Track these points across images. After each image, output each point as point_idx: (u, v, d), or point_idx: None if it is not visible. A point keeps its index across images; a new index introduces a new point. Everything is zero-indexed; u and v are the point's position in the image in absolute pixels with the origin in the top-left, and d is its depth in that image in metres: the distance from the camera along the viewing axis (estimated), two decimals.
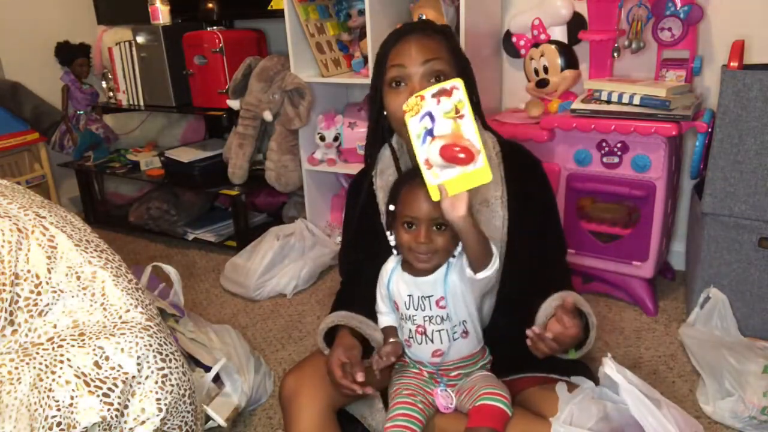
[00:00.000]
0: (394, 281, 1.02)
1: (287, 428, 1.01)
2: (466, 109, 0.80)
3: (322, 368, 1.00)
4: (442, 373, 1.01)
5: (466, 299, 0.97)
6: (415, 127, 0.83)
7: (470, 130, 0.80)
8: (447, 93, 0.80)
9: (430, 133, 0.82)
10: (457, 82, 0.81)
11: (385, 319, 1.06)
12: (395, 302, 1.02)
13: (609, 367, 0.90)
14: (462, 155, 0.79)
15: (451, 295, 0.96)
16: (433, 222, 0.93)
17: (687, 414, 0.91)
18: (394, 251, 1.03)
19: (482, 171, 0.80)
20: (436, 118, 0.82)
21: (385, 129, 1.13)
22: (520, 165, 1.10)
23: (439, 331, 0.98)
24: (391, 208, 1.00)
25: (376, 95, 1.08)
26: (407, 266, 1.00)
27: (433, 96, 0.81)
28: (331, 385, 0.98)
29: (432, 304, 0.97)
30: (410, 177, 0.98)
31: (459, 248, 0.95)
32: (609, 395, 0.92)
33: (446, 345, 0.99)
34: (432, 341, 0.99)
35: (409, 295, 0.99)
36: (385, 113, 1.07)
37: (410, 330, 1.01)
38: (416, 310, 0.99)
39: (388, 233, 1.02)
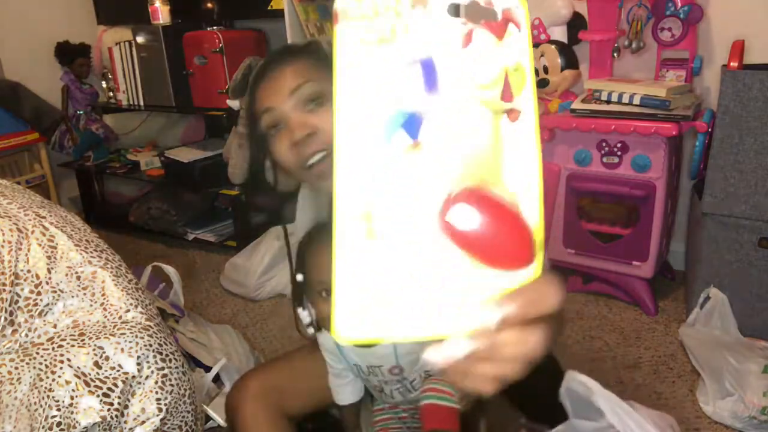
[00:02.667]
0: (342, 348, 0.90)
1: None
2: (528, 94, 0.33)
3: (270, 378, 0.98)
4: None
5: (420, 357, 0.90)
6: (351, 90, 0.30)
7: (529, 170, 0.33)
8: (497, 24, 0.32)
9: (410, 126, 0.31)
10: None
11: (345, 390, 0.96)
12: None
13: (576, 378, 0.86)
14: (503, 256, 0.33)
15: (407, 360, 0.88)
16: None
17: (658, 411, 0.91)
18: (310, 330, 0.87)
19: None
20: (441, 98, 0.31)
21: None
22: None
23: (398, 389, 0.92)
24: (299, 278, 0.84)
25: (258, 151, 0.94)
26: None
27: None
28: (277, 394, 0.96)
29: (384, 372, 0.90)
30: (314, 238, 0.84)
31: None
32: (582, 427, 0.89)
33: (408, 397, 0.93)
34: (392, 397, 0.94)
35: (356, 365, 0.91)
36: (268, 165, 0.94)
37: (369, 386, 0.95)
38: (368, 375, 0.92)
39: (300, 311, 0.85)
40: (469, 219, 0.30)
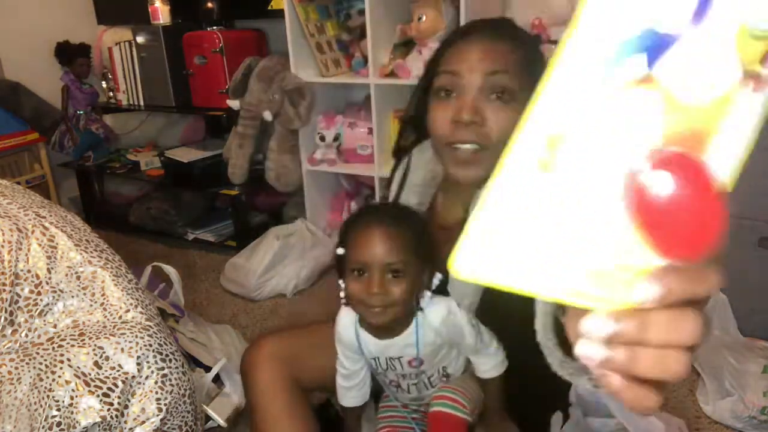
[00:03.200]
0: (362, 339, 0.88)
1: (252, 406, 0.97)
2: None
3: (289, 346, 0.96)
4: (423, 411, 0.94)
5: (446, 350, 0.88)
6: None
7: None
8: None
9: (654, 52, 0.26)
10: None
11: (351, 392, 0.95)
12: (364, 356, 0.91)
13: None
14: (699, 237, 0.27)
15: (427, 354, 0.86)
16: (388, 268, 0.78)
17: (667, 414, 0.91)
18: (343, 301, 0.87)
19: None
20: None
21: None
22: None
23: (416, 383, 0.91)
24: (340, 251, 0.83)
25: (418, 103, 0.89)
26: (365, 324, 0.87)
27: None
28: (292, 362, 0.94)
29: (404, 365, 0.88)
30: (363, 215, 0.84)
31: (427, 297, 0.83)
32: (592, 424, 0.88)
33: (424, 393, 0.92)
34: (408, 392, 0.92)
35: (375, 359, 0.89)
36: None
37: (383, 382, 0.94)
38: (386, 369, 0.90)
39: (339, 282, 0.84)
40: (666, 190, 0.25)
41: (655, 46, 0.25)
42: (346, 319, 0.88)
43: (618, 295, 0.27)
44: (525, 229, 0.27)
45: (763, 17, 0.25)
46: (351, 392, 0.94)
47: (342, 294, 0.84)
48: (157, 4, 2.41)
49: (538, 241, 0.27)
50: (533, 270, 0.27)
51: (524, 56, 0.79)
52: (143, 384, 0.83)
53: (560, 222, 0.27)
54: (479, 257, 0.27)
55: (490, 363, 0.87)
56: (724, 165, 0.27)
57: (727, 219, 0.26)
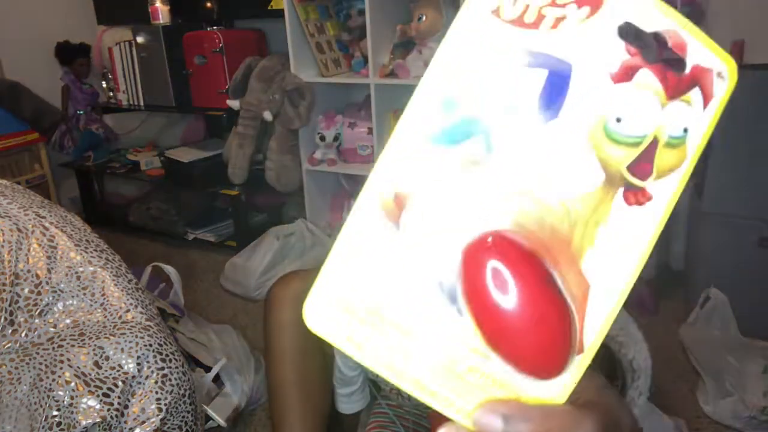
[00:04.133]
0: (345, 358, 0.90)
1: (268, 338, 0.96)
2: (673, 183, 0.25)
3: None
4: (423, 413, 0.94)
5: None
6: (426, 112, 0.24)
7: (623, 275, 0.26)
8: (678, 78, 0.25)
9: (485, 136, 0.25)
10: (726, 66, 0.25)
11: (350, 399, 0.94)
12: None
13: None
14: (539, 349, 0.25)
15: None
16: None
17: (667, 414, 0.91)
18: None
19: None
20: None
21: None
22: None
23: (406, 396, 0.91)
24: None
25: None
26: None
27: (632, 45, 0.24)
28: None
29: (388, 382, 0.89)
30: None
31: None
32: None
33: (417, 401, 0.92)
34: (408, 398, 0.91)
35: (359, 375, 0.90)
36: None
37: (383, 388, 0.93)
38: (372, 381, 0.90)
39: None
40: (497, 281, 0.23)
41: (497, 131, 0.24)
42: None
43: (468, 403, 0.24)
44: (371, 292, 0.24)
45: (620, 117, 0.24)
46: (351, 398, 0.94)
47: None
48: (157, 4, 2.41)
49: (385, 312, 0.24)
50: (381, 347, 0.24)
51: None
52: (143, 384, 0.83)
53: (407, 293, 0.24)
54: (326, 311, 0.25)
55: None
56: (596, 280, 0.25)
57: (572, 335, 0.24)
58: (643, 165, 0.24)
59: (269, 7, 2.28)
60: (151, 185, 2.78)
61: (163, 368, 0.84)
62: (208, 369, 1.36)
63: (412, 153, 0.24)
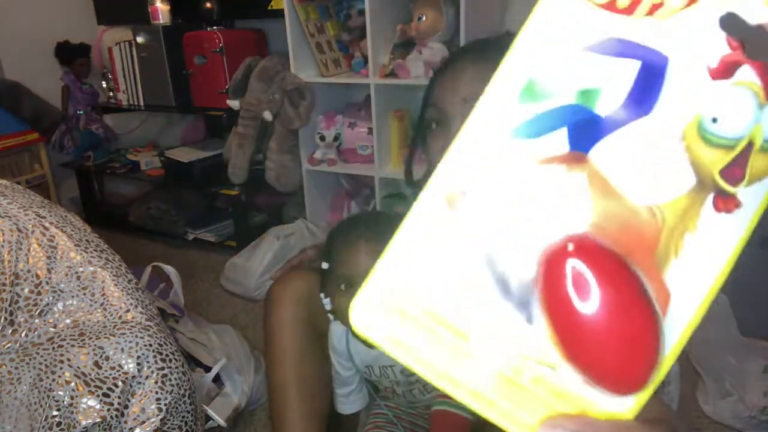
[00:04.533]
0: (353, 349, 0.87)
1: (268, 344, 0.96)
2: (763, 190, 0.23)
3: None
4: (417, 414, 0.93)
5: None
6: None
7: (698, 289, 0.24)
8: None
9: (582, 146, 0.23)
10: None
11: (348, 400, 0.93)
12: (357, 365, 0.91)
13: None
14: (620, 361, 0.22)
15: None
16: None
17: None
18: (331, 316, 0.86)
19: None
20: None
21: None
22: None
23: (410, 390, 0.89)
24: (325, 266, 0.81)
25: (416, 135, 0.87)
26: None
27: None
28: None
29: (396, 373, 0.86)
30: (347, 227, 0.81)
31: None
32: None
33: (420, 398, 0.90)
34: (404, 397, 0.91)
35: (368, 367, 0.88)
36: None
37: (378, 389, 0.92)
38: (379, 377, 0.89)
39: (321, 296, 0.83)
40: (580, 287, 0.21)
41: (583, 126, 0.22)
42: (339, 330, 0.88)
43: (530, 416, 0.22)
44: (430, 293, 0.23)
45: (717, 117, 0.22)
46: (349, 398, 0.94)
47: (328, 308, 0.82)
48: (157, 4, 2.41)
49: (443, 315, 0.22)
50: (436, 352, 0.23)
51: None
52: (143, 384, 0.83)
53: (467, 296, 0.22)
54: (376, 312, 0.23)
55: None
56: (679, 291, 0.23)
57: (659, 346, 0.22)
58: (735, 169, 0.22)
59: (269, 7, 2.28)
60: (151, 185, 2.78)
61: (163, 368, 0.84)
62: (208, 369, 1.36)
63: (487, 144, 0.22)
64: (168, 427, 0.86)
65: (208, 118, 2.78)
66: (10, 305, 0.80)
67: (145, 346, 0.84)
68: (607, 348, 0.21)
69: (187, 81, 2.42)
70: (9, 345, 0.80)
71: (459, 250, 0.22)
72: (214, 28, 2.36)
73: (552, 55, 0.22)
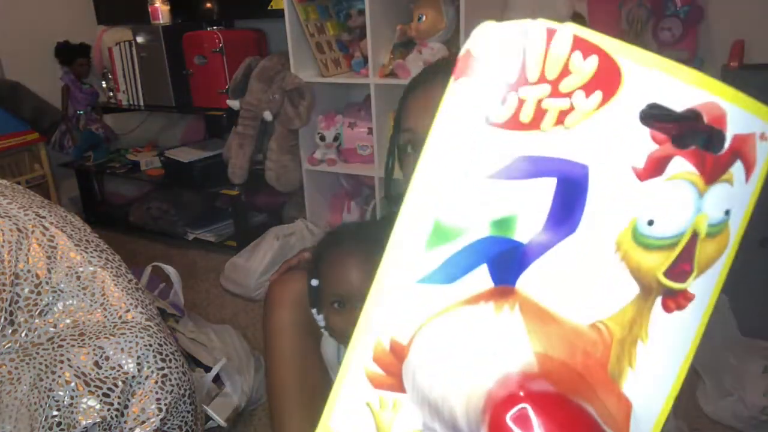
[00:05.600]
0: None
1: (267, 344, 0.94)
2: (714, 276, 0.23)
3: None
4: None
5: None
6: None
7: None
8: (717, 157, 0.21)
9: (506, 279, 0.21)
10: None
11: None
12: None
13: None
14: None
15: None
16: None
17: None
18: (324, 332, 0.83)
19: None
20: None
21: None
22: None
23: None
24: (314, 283, 0.77)
25: (390, 155, 0.84)
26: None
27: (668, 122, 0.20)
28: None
29: None
30: (334, 242, 0.77)
31: None
32: None
33: None
34: None
35: None
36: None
37: None
38: None
39: (314, 311, 0.81)
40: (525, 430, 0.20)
41: (501, 257, 0.20)
42: (331, 345, 0.85)
43: None
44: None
45: (653, 219, 0.20)
46: None
47: (322, 324, 0.80)
48: (157, 4, 2.41)
49: None
50: None
51: None
52: (143, 384, 0.83)
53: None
54: (353, 420, 0.22)
55: None
56: (639, 397, 0.21)
57: None
58: (682, 266, 0.21)
59: (269, 7, 2.28)
60: (151, 185, 2.78)
61: (163, 368, 0.84)
62: (208, 369, 1.36)
63: (405, 294, 0.20)
64: (168, 427, 0.86)
65: (208, 118, 2.78)
66: (10, 305, 0.80)
67: (145, 346, 0.84)
68: None
69: (187, 81, 2.42)
70: (9, 345, 0.80)
71: (407, 407, 0.21)
72: (214, 28, 2.36)
73: (457, 189, 0.20)
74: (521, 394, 0.20)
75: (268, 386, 0.97)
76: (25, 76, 2.60)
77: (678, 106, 0.19)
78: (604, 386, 0.21)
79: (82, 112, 2.77)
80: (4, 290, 0.79)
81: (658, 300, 0.21)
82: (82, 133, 2.76)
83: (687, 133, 0.19)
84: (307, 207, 2.33)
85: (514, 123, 0.19)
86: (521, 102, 0.19)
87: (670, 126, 0.19)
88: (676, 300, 0.21)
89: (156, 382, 0.83)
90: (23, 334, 0.80)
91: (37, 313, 0.81)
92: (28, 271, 0.82)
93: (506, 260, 0.20)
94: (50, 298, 0.82)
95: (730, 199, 0.21)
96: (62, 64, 2.75)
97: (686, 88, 0.19)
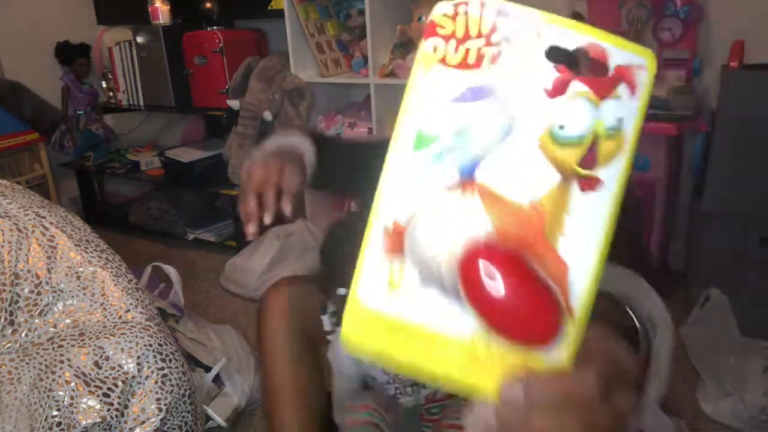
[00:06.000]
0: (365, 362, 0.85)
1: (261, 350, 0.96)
2: (618, 167, 0.30)
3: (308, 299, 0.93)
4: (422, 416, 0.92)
5: None
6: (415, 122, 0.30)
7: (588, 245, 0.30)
8: (604, 80, 0.30)
9: (468, 172, 0.30)
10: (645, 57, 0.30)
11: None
12: (371, 377, 0.89)
13: None
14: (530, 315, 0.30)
15: None
16: None
17: (668, 414, 0.91)
18: (332, 336, 0.84)
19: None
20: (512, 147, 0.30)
21: None
22: None
23: (417, 389, 0.89)
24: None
25: None
26: None
27: (549, 55, 0.30)
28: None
29: None
30: (347, 245, 0.78)
31: None
32: None
33: (422, 393, 0.89)
34: (425, 387, 0.88)
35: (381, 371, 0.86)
36: None
37: (396, 389, 0.90)
38: (386, 383, 0.87)
39: (323, 318, 0.82)
40: (489, 279, 0.29)
41: (463, 156, 0.29)
42: (340, 350, 0.84)
43: (490, 384, 0.29)
44: (395, 307, 0.30)
45: (563, 124, 0.29)
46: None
47: (328, 328, 0.80)
48: (157, 4, 2.41)
49: (408, 321, 0.30)
50: (411, 353, 0.29)
51: None
52: (143, 384, 0.83)
53: (421, 301, 0.30)
54: (359, 331, 0.30)
55: None
56: (572, 257, 0.29)
57: (559, 304, 0.29)
58: (589, 157, 0.29)
59: (269, 7, 2.28)
60: (151, 185, 2.78)
61: (163, 368, 0.84)
62: (208, 369, 1.36)
63: (402, 188, 0.30)
64: (168, 427, 0.86)
65: (208, 118, 2.78)
66: (10, 305, 0.80)
67: (145, 346, 0.84)
68: (515, 314, 0.29)
69: (187, 81, 2.42)
70: (9, 345, 0.80)
71: (406, 267, 0.30)
72: (214, 28, 2.36)
73: (429, 111, 0.30)
74: (485, 253, 0.29)
75: (263, 389, 0.97)
76: (25, 76, 2.60)
77: (570, 46, 0.29)
78: (545, 250, 0.29)
79: (82, 112, 2.77)
80: (4, 290, 0.79)
81: (576, 183, 0.29)
82: (82, 133, 2.76)
83: (577, 64, 0.29)
84: (307, 207, 2.32)
85: (464, 64, 0.30)
86: (467, 50, 0.29)
87: (565, 60, 0.29)
88: (588, 183, 0.29)
89: (156, 382, 0.83)
90: (23, 334, 0.80)
91: (37, 313, 0.81)
92: (28, 271, 0.82)
93: (467, 159, 0.29)
94: (50, 298, 0.82)
95: (620, 110, 0.29)
96: (62, 64, 2.75)
97: (577, 35, 0.29)
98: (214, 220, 2.58)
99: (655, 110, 1.56)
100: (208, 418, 1.30)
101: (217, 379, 1.36)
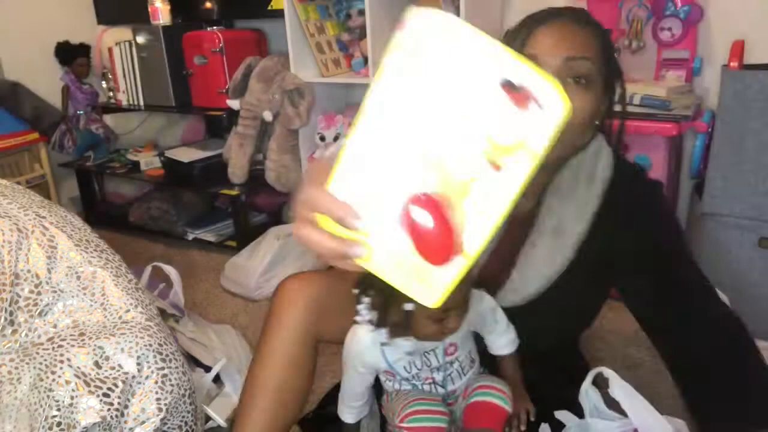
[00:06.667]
0: (390, 356, 0.84)
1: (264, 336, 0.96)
2: (523, 160, 0.41)
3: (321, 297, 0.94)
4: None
5: (468, 333, 0.88)
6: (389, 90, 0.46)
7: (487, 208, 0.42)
8: (521, 96, 0.39)
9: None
10: (551, 86, 0.39)
11: (355, 412, 0.91)
12: (388, 373, 0.88)
13: (605, 370, 0.85)
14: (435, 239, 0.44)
15: (461, 338, 0.86)
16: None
17: (667, 415, 0.91)
18: (370, 325, 0.81)
19: (430, 291, 0.46)
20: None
21: None
22: (625, 210, 0.86)
23: (449, 374, 0.88)
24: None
25: None
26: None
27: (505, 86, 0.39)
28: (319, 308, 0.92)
29: (439, 356, 0.85)
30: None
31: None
32: (595, 426, 0.86)
33: (458, 384, 0.89)
34: (443, 387, 0.88)
35: (410, 362, 0.85)
36: None
37: (415, 386, 0.88)
38: (420, 369, 0.86)
39: (360, 307, 0.80)
40: (419, 217, 0.43)
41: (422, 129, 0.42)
42: (367, 338, 0.83)
43: (413, 282, 0.46)
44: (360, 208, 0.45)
45: (500, 134, 0.40)
46: (355, 410, 0.92)
47: (366, 317, 0.79)
48: (157, 4, 2.41)
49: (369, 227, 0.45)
50: (376, 252, 0.45)
51: (602, 45, 0.79)
52: (143, 384, 0.83)
53: (379, 217, 0.44)
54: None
55: (505, 340, 0.89)
56: (473, 216, 0.42)
57: (455, 243, 0.43)
58: (499, 149, 0.40)
59: (269, 7, 2.28)
60: (151, 185, 2.78)
61: (163, 368, 0.84)
62: (208, 369, 1.36)
63: (374, 143, 0.44)
64: (168, 427, 0.86)
65: (208, 118, 2.78)
66: (10, 305, 0.80)
67: (145, 346, 0.84)
68: (428, 240, 0.43)
69: (187, 81, 2.42)
70: (9, 345, 0.80)
71: (373, 198, 0.44)
72: (214, 28, 2.36)
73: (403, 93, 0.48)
74: (421, 198, 0.42)
75: (248, 375, 0.96)
76: (25, 76, 2.60)
77: (514, 78, 0.39)
78: (457, 203, 0.42)
79: (82, 112, 2.77)
80: (4, 290, 0.79)
81: (486, 163, 0.41)
82: (82, 133, 2.76)
83: (513, 87, 0.39)
84: None
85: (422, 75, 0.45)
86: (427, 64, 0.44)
87: (509, 86, 0.39)
88: (495, 165, 0.41)
89: (156, 382, 0.83)
90: (23, 334, 0.80)
91: (37, 313, 0.82)
92: (28, 271, 0.82)
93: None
94: (50, 298, 0.83)
95: (525, 122, 0.39)
96: (62, 64, 2.75)
97: (518, 65, 0.39)
98: (214, 220, 2.58)
99: (656, 110, 1.56)
100: (208, 418, 1.30)
101: (217, 379, 1.36)
